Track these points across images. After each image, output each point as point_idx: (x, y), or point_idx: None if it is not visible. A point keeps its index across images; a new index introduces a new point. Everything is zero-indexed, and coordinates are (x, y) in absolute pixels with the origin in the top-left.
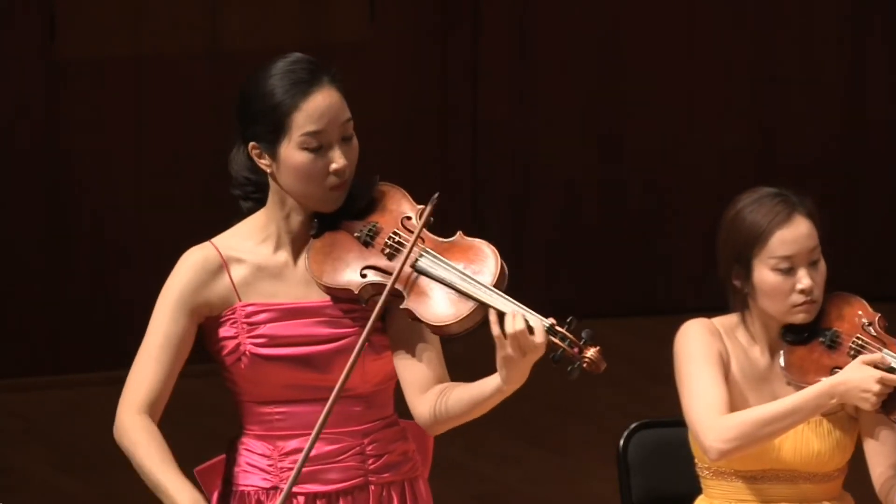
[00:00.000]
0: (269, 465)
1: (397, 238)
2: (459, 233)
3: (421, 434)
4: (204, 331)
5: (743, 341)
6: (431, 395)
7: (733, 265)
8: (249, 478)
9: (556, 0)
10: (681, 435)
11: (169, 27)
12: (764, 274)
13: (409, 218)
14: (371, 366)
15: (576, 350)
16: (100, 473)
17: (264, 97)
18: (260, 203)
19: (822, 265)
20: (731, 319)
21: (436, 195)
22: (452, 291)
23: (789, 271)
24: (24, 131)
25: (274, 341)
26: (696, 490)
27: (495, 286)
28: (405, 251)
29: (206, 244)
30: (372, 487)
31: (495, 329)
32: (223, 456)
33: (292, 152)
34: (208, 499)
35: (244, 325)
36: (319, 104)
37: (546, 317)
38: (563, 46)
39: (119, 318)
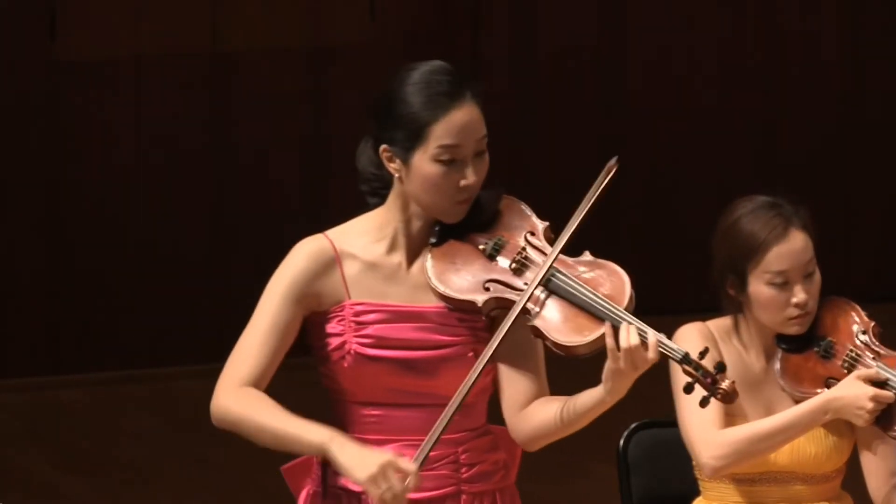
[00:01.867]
0: None
1: (525, 254)
2: (587, 252)
3: (510, 440)
4: (309, 325)
5: (738, 345)
6: (529, 411)
7: (728, 275)
8: (342, 479)
9: (556, 0)
10: (681, 435)
11: (169, 27)
12: (759, 288)
13: (533, 234)
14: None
15: (709, 381)
16: (100, 473)
17: (406, 103)
18: (385, 200)
19: (817, 276)
20: (725, 322)
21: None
22: (581, 312)
23: (784, 285)
24: (25, 131)
25: (381, 342)
26: (696, 490)
27: (626, 310)
28: (539, 269)
29: (320, 236)
30: (464, 497)
31: (610, 341)
32: (310, 456)
33: (426, 163)
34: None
35: (352, 324)
36: (460, 119)
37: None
38: (562, 46)
39: (119, 319)
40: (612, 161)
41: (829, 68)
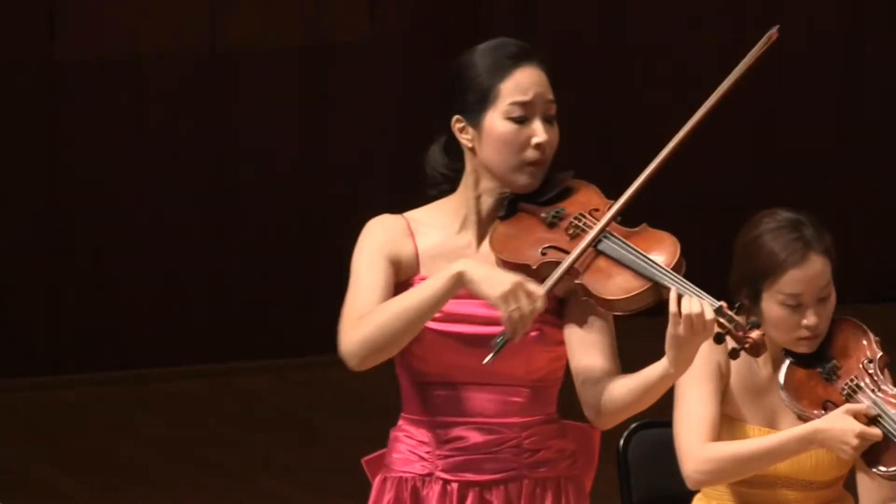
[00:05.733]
0: (428, 453)
1: (583, 221)
2: (644, 224)
3: (585, 437)
4: None
5: None
6: (601, 388)
7: (743, 287)
8: (407, 464)
9: (556, 0)
10: None
11: (169, 27)
12: (772, 306)
13: (596, 210)
14: (539, 357)
15: (741, 333)
16: (100, 474)
17: (475, 68)
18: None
19: (832, 300)
20: None
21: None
22: (627, 270)
23: (797, 307)
24: (24, 131)
25: (447, 317)
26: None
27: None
28: (590, 232)
29: (396, 215)
30: (525, 482)
31: (672, 307)
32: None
33: (497, 121)
34: None
35: None
36: (528, 77)
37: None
38: (562, 46)
39: (119, 319)
40: (773, 30)
41: (828, 66)
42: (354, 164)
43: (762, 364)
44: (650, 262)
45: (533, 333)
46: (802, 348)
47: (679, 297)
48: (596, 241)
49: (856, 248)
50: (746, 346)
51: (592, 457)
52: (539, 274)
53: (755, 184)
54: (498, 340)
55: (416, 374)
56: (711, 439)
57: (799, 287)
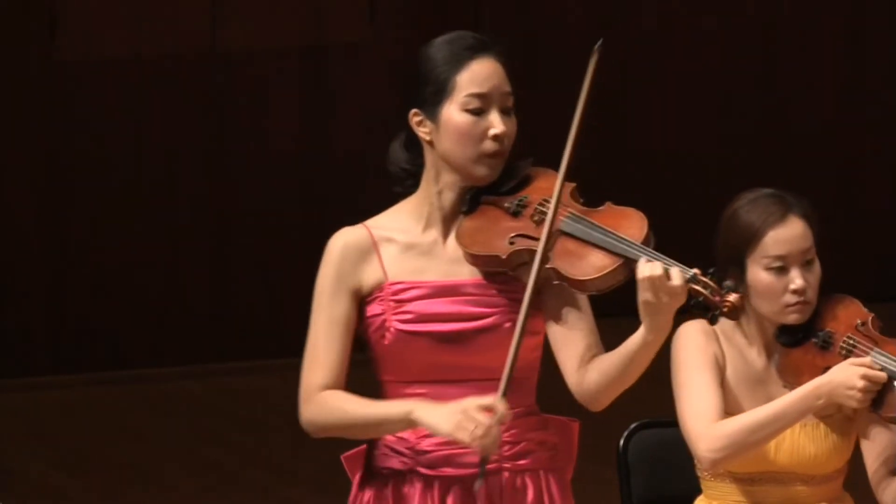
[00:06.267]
0: (408, 449)
1: (547, 206)
2: (608, 203)
3: (565, 430)
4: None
5: (740, 343)
6: (587, 369)
7: (728, 266)
8: (388, 461)
9: (556, 0)
10: (680, 435)
11: (169, 27)
12: (757, 273)
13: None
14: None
15: (717, 298)
16: (99, 473)
17: (432, 60)
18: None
19: (817, 266)
20: (728, 321)
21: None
22: (597, 249)
23: (782, 271)
24: (25, 131)
25: (419, 318)
26: (696, 490)
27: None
28: (550, 213)
29: (359, 226)
30: (506, 474)
31: (638, 273)
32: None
33: (455, 113)
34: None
35: (391, 303)
36: (485, 69)
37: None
38: (562, 46)
39: (119, 319)
40: (598, 44)
41: (828, 65)
42: (354, 164)
43: (756, 355)
44: (618, 238)
45: (507, 325)
46: (793, 317)
47: (632, 264)
48: (559, 223)
49: (856, 248)
50: (725, 309)
51: (571, 450)
52: (510, 263)
53: (755, 185)
54: (480, 465)
55: (393, 376)
56: (718, 421)
57: (781, 248)
